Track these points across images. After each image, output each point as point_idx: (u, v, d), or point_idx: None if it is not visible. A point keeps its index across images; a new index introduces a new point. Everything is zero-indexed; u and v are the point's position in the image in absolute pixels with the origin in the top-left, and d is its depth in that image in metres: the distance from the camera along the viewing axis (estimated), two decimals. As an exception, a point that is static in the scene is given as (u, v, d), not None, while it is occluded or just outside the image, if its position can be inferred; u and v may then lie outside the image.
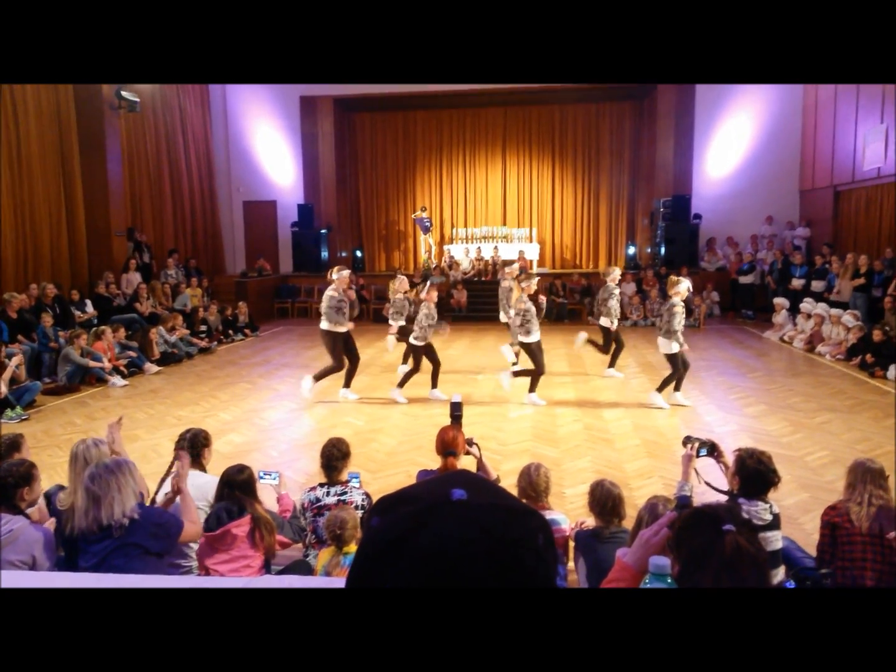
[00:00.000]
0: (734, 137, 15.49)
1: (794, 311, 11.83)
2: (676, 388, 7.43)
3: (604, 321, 8.70)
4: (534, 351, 7.47)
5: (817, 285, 12.24)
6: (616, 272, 8.81)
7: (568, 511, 4.46)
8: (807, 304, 11.31)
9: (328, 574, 2.99)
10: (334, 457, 3.82)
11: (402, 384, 7.77)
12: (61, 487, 3.47)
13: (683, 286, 7.17)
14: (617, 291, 8.74)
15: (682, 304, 7.16)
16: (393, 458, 5.95)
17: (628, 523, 3.37)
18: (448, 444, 3.78)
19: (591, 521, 3.48)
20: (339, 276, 7.59)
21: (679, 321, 7.05)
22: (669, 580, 1.25)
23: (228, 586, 1.75)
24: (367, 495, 3.81)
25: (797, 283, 12.81)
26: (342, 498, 3.69)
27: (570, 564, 3.51)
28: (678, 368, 7.26)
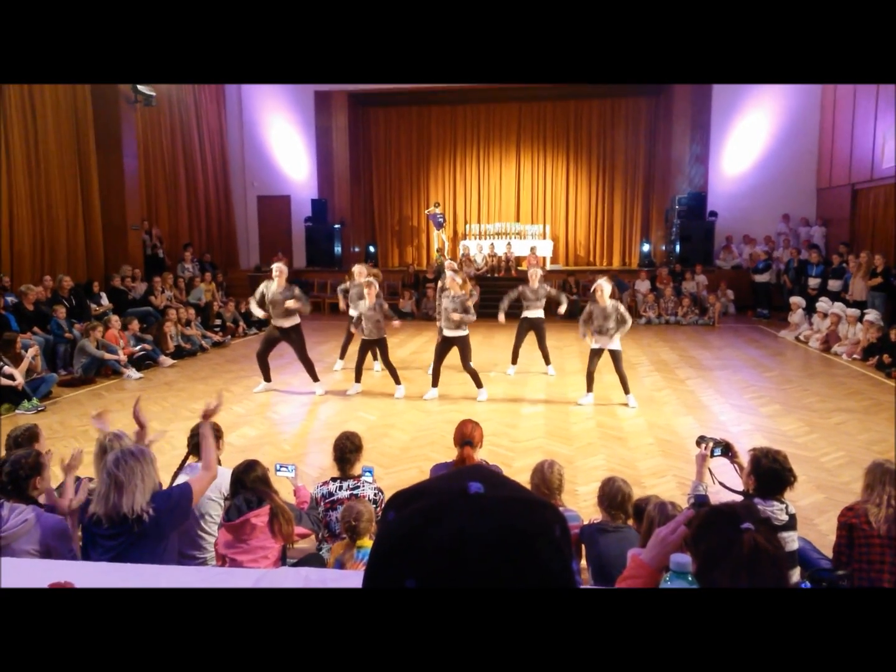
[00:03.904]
0: (751, 134, 15.35)
1: (810, 310, 11.72)
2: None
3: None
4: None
5: (834, 284, 12.12)
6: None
7: (581, 509, 4.44)
8: (823, 304, 11.20)
9: (342, 567, 3.00)
10: (347, 449, 3.83)
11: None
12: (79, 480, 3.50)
13: (606, 290, 7.13)
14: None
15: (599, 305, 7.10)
16: (406, 453, 5.96)
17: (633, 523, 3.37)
18: (466, 436, 3.81)
19: (599, 518, 3.49)
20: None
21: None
22: (690, 578, 1.24)
23: (246, 577, 1.75)
24: (380, 490, 3.81)
25: (813, 282, 12.69)
26: (355, 492, 3.70)
27: (583, 562, 3.50)
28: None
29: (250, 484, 3.21)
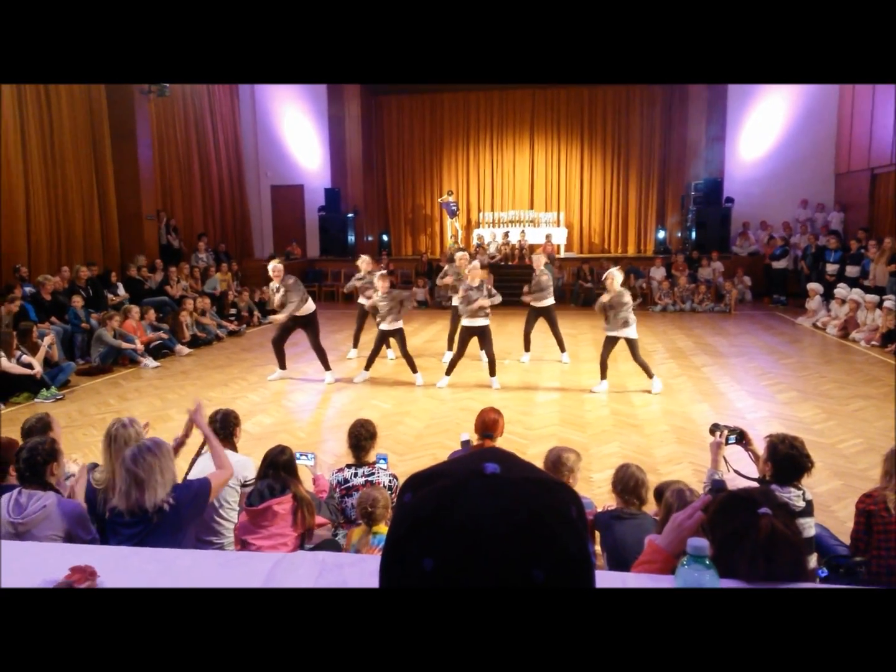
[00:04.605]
0: (768, 119, 15.16)
1: (827, 296, 11.60)
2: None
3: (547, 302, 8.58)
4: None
5: (852, 270, 11.97)
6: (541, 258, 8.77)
7: (595, 496, 4.44)
8: (841, 290, 11.07)
9: (358, 552, 3.02)
10: (362, 436, 3.85)
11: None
12: (95, 465, 3.53)
13: (617, 278, 7.12)
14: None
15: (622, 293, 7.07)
16: (420, 440, 5.97)
17: (648, 509, 3.37)
18: (488, 426, 3.81)
19: (614, 505, 3.49)
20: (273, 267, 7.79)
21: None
22: (708, 562, 1.23)
23: (263, 561, 1.77)
24: (395, 476, 3.84)
25: (830, 268, 12.55)
26: (370, 479, 3.72)
27: (597, 548, 3.50)
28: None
29: (282, 467, 3.26)
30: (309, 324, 7.91)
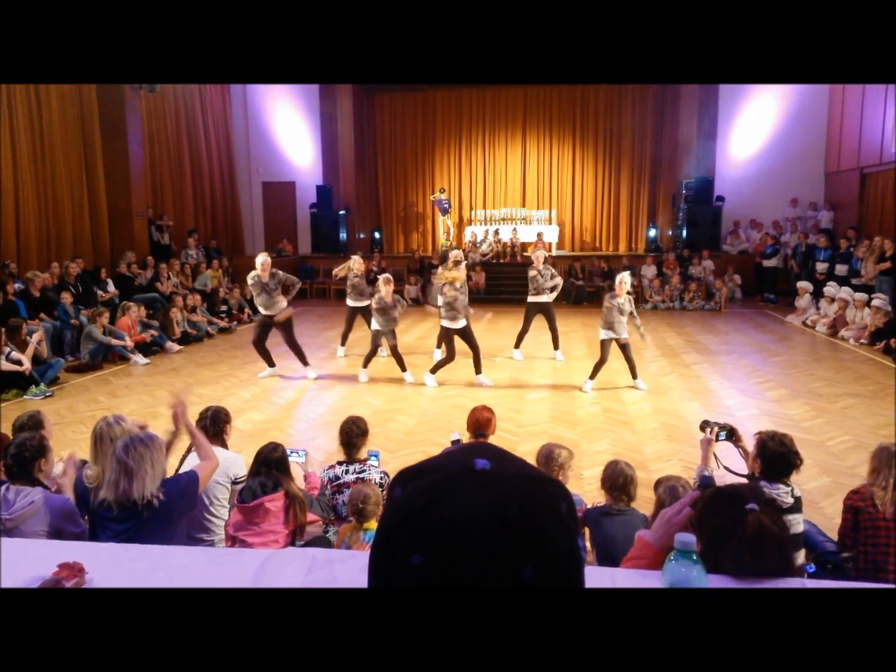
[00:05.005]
0: (759, 117, 15.23)
1: (817, 295, 11.67)
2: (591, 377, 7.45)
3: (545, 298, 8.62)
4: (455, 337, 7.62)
5: (841, 269, 12.05)
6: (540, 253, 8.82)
7: (585, 493, 4.46)
8: (830, 288, 11.14)
9: (349, 548, 3.02)
10: (354, 434, 3.85)
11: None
12: (85, 463, 3.51)
13: (628, 283, 7.18)
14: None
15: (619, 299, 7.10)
16: (412, 437, 5.97)
17: (638, 505, 3.39)
18: (480, 425, 3.81)
19: (603, 501, 3.51)
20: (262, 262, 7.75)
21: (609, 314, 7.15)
22: (695, 557, 1.24)
23: (253, 557, 1.77)
24: (386, 474, 3.84)
25: (820, 267, 12.62)
26: (361, 476, 3.72)
27: (587, 544, 3.52)
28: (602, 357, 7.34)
29: (274, 464, 3.25)
30: (283, 322, 7.88)
